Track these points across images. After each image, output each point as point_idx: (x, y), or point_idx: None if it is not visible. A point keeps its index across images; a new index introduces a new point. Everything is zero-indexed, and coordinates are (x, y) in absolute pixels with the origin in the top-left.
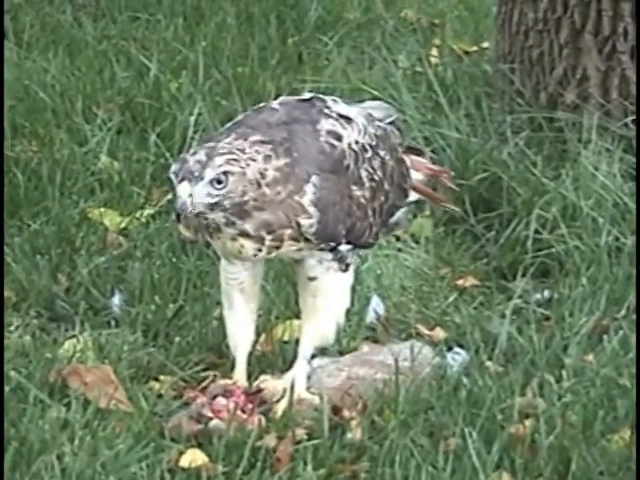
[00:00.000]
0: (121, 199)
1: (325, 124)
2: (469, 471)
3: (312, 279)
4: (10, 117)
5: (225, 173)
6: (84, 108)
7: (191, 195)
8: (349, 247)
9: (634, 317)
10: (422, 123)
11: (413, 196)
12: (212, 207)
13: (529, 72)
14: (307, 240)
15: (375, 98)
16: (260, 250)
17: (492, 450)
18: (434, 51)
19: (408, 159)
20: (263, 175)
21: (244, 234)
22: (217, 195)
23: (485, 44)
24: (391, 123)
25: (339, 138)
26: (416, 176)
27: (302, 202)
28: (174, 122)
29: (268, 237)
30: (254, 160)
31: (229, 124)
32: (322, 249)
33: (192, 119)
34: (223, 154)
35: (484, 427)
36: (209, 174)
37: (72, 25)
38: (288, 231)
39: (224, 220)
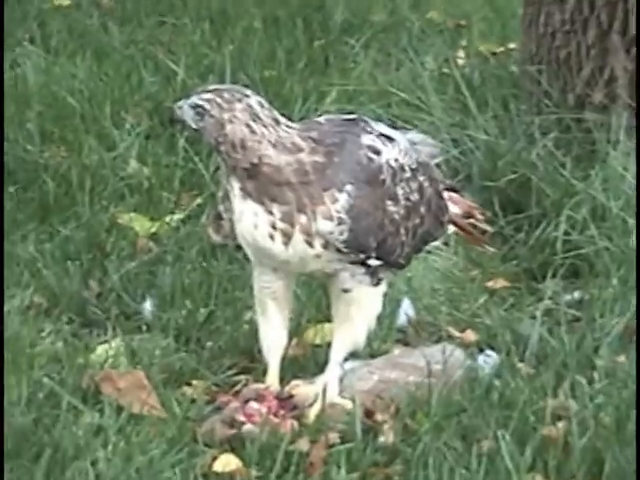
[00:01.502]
0: (150, 204)
1: (366, 139)
2: (502, 473)
3: (346, 291)
4: (39, 123)
5: (203, 109)
6: (112, 113)
7: (181, 107)
8: (378, 263)
9: None
10: (450, 125)
11: (450, 229)
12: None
13: (556, 73)
14: (338, 250)
15: (402, 100)
16: (274, 231)
17: (525, 452)
18: (460, 53)
19: (447, 195)
20: (255, 143)
21: (247, 193)
22: (196, 124)
23: (511, 45)
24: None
25: (378, 153)
26: (454, 210)
27: (328, 203)
28: None
29: (277, 212)
30: (247, 125)
31: None
32: (353, 262)
33: None
34: (219, 97)
35: (517, 429)
36: (193, 98)
37: (99, 30)
38: (301, 217)
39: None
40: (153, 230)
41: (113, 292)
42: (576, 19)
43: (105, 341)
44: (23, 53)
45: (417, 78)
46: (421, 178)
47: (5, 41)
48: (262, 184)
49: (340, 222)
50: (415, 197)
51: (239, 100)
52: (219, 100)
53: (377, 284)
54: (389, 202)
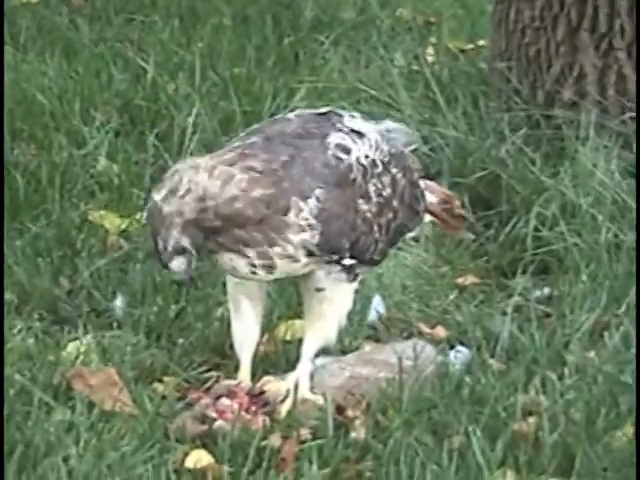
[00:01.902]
0: (121, 201)
1: (335, 137)
2: (473, 469)
3: (320, 290)
4: (8, 121)
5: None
6: (82, 111)
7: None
8: (353, 262)
9: (635, 314)
10: (420, 122)
11: (427, 218)
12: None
13: (526, 70)
14: (310, 254)
15: (372, 97)
16: (254, 268)
17: (496, 448)
18: (430, 50)
19: (423, 183)
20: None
21: (224, 248)
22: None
23: (481, 42)
24: (413, 151)
25: (347, 151)
26: (430, 199)
27: (291, 220)
28: (172, 123)
29: (252, 253)
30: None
31: (248, 130)
32: (328, 262)
33: (190, 120)
34: (161, 233)
35: (488, 425)
36: (171, 255)
37: (68, 27)
38: (275, 249)
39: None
40: (123, 227)
41: (84, 289)
42: (546, 16)
43: (76, 338)
44: None
45: (386, 75)
46: (394, 170)
47: None
48: (229, 235)
49: (311, 228)
50: (387, 192)
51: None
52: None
53: (353, 280)
54: (361, 201)
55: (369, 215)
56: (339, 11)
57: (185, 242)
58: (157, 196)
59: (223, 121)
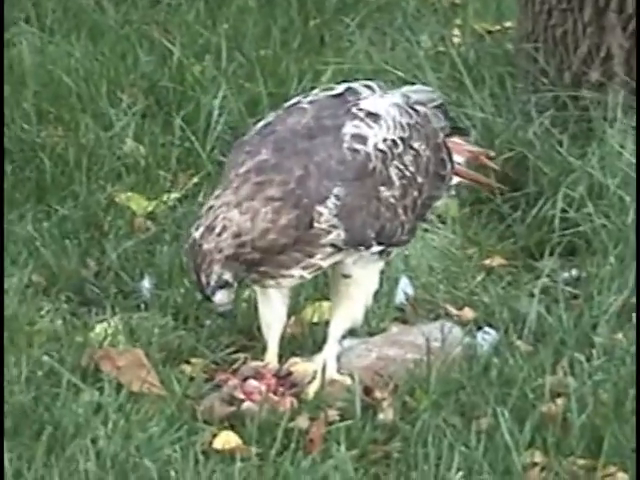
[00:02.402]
0: (147, 183)
1: (349, 127)
2: (501, 450)
3: (347, 276)
4: (35, 103)
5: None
6: (109, 93)
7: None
8: (381, 248)
9: None
10: (447, 103)
11: (455, 180)
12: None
13: (553, 51)
14: (339, 249)
15: (399, 79)
16: (303, 277)
17: (524, 429)
18: (456, 31)
19: (450, 142)
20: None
21: (268, 276)
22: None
23: (507, 24)
24: (436, 107)
25: (364, 141)
26: (456, 159)
27: (317, 228)
28: (198, 105)
29: (295, 271)
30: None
31: (259, 126)
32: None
33: (216, 102)
34: (202, 269)
35: (516, 406)
36: (214, 289)
37: (94, 10)
38: (316, 257)
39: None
40: (150, 209)
41: (111, 271)
42: None
43: (104, 320)
44: (18, 32)
45: (413, 57)
46: (416, 144)
47: None
48: (271, 263)
49: (334, 227)
50: (411, 170)
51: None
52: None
53: (387, 258)
54: (382, 188)
55: (393, 200)
56: None
57: (227, 276)
58: (195, 234)
59: (249, 103)
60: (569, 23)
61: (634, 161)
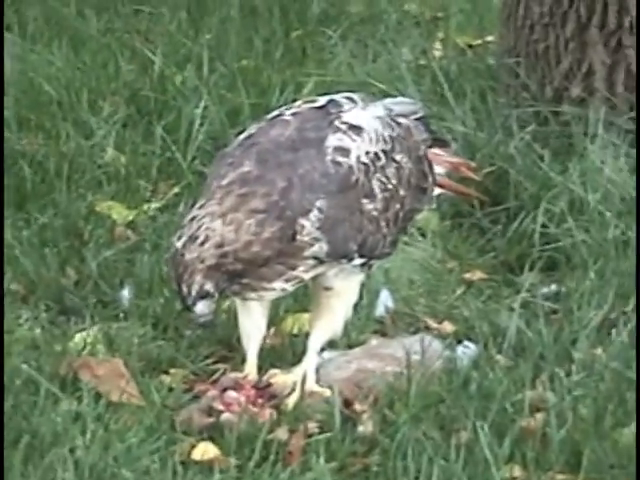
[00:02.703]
0: (128, 192)
1: (332, 140)
2: (481, 464)
3: (328, 289)
4: (15, 110)
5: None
6: (90, 101)
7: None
8: (363, 261)
9: None
10: (428, 116)
11: (436, 191)
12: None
13: (534, 66)
14: (321, 262)
15: (381, 91)
16: (284, 290)
17: (503, 443)
18: (438, 45)
19: (430, 153)
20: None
21: (249, 288)
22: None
23: (489, 38)
24: (418, 119)
25: (347, 153)
26: (438, 170)
27: (300, 241)
28: (179, 115)
29: (277, 284)
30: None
31: (241, 138)
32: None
33: (197, 112)
34: (184, 280)
35: (495, 420)
36: (195, 299)
37: (76, 18)
38: (298, 270)
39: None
40: (130, 218)
41: (91, 280)
42: (555, 12)
43: (83, 329)
44: None
45: (394, 69)
46: (398, 157)
47: None
48: (253, 275)
49: (317, 240)
50: (393, 183)
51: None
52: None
53: (369, 270)
54: (365, 201)
55: (375, 213)
56: (347, 5)
57: (209, 286)
58: (178, 243)
59: (230, 113)
60: (551, 38)
61: (614, 177)
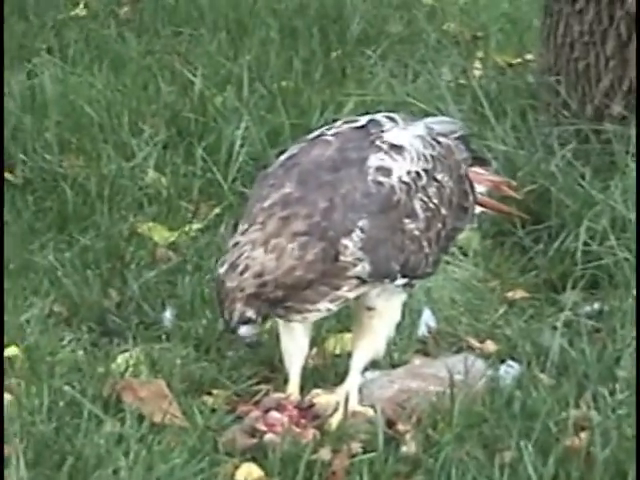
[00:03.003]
0: (169, 213)
1: (374, 160)
2: None
3: (371, 309)
4: (57, 133)
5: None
6: (130, 123)
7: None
8: (405, 281)
9: None
10: (469, 136)
11: (477, 210)
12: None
13: (575, 84)
14: (364, 281)
15: (421, 111)
16: (329, 310)
17: (548, 463)
18: (477, 64)
19: (471, 172)
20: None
21: (294, 311)
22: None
23: (528, 56)
24: (458, 138)
25: (388, 173)
26: (478, 189)
27: (343, 261)
28: (220, 136)
29: (322, 305)
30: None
31: (283, 158)
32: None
33: (238, 133)
34: (225, 306)
35: (539, 440)
36: (237, 325)
37: (116, 40)
38: (342, 290)
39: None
40: (172, 240)
41: (133, 301)
42: (595, 30)
43: (125, 350)
44: (41, 63)
45: (434, 89)
46: (439, 176)
47: (22, 51)
48: (296, 299)
49: (360, 260)
50: (434, 202)
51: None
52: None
53: (411, 290)
54: (407, 220)
55: (417, 233)
56: (386, 25)
57: (250, 313)
58: (220, 270)
59: (271, 134)
60: (591, 56)
61: None
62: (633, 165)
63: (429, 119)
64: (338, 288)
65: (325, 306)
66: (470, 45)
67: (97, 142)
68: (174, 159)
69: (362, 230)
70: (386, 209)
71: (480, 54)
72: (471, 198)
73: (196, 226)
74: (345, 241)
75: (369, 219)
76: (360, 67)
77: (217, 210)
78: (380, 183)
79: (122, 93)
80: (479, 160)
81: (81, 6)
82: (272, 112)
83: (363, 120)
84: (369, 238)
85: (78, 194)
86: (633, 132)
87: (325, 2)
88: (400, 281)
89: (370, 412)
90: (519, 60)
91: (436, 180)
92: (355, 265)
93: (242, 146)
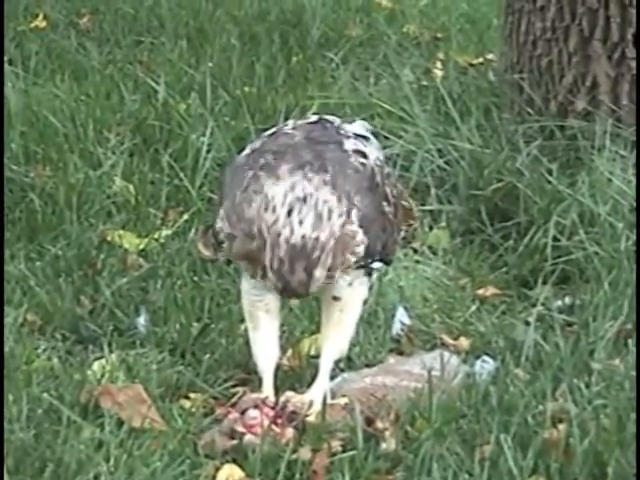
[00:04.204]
0: (138, 221)
1: (349, 144)
2: (505, 477)
3: (336, 299)
4: (22, 143)
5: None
6: (95, 132)
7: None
8: (380, 265)
9: None
10: (434, 135)
11: None
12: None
13: (538, 81)
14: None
15: (386, 112)
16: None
17: (527, 456)
18: (438, 64)
19: None
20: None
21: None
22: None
23: (489, 56)
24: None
25: (365, 156)
26: None
27: (354, 228)
28: (186, 143)
29: (320, 274)
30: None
31: (248, 149)
32: (359, 267)
33: (204, 139)
34: (321, 262)
35: (517, 433)
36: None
37: (77, 50)
38: (342, 266)
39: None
40: (142, 246)
41: (106, 308)
42: (557, 27)
43: (101, 357)
44: (2, 74)
45: (397, 90)
46: (389, 170)
47: None
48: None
49: (361, 241)
50: (395, 192)
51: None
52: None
53: (371, 279)
54: (384, 203)
55: (391, 217)
56: (346, 28)
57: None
58: (299, 228)
59: (236, 139)
60: (554, 53)
61: (624, 188)
62: (599, 160)
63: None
64: (344, 263)
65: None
66: (431, 46)
67: (63, 152)
68: (141, 167)
69: (357, 207)
70: (372, 188)
71: (441, 55)
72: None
73: (165, 232)
74: (352, 215)
75: (361, 196)
76: (322, 71)
77: (185, 216)
78: (362, 164)
79: (85, 103)
80: None
81: (40, 17)
82: (236, 118)
83: (313, 118)
84: (364, 215)
85: (47, 204)
86: (597, 127)
87: (285, 7)
88: (376, 264)
89: (344, 400)
90: (480, 60)
91: (390, 173)
92: (357, 244)
93: (208, 152)
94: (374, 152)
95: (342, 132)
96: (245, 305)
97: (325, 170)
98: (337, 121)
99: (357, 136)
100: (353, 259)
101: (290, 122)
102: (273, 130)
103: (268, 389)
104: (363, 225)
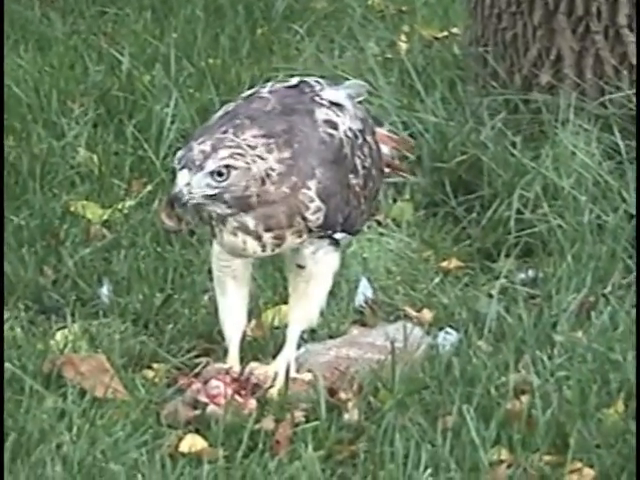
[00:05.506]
0: (102, 191)
1: (320, 114)
2: (468, 447)
3: (300, 267)
4: None
5: (227, 166)
6: (59, 102)
7: (189, 184)
8: (343, 235)
9: (620, 293)
10: (399, 108)
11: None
12: (210, 198)
13: (503, 54)
14: (310, 231)
15: None
16: (264, 247)
17: (490, 426)
18: (403, 38)
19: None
20: (269, 173)
21: (244, 228)
22: (216, 187)
23: (454, 30)
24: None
25: (335, 127)
26: (384, 150)
27: (309, 195)
28: (150, 114)
29: (268, 234)
30: (262, 158)
31: (221, 112)
32: (320, 237)
33: (168, 110)
34: (229, 147)
35: (480, 404)
36: (210, 165)
37: (41, 21)
38: (291, 229)
39: (224, 212)
40: (105, 217)
41: (69, 279)
42: (522, 0)
43: (64, 327)
44: None
45: (362, 63)
46: (368, 138)
47: None
48: (258, 214)
49: (316, 208)
50: (368, 162)
51: (242, 139)
52: (236, 150)
53: (336, 246)
54: (351, 176)
55: (358, 189)
56: (311, 1)
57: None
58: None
59: (201, 110)
60: (519, 26)
61: (587, 161)
62: (563, 133)
63: (347, 85)
64: (291, 225)
65: (266, 240)
66: (396, 19)
67: (27, 122)
68: (105, 137)
69: (318, 179)
70: (337, 161)
71: (406, 28)
72: (383, 160)
73: (129, 203)
74: (309, 182)
75: (324, 168)
76: (287, 43)
77: (149, 187)
78: (331, 135)
79: (49, 73)
80: (375, 121)
81: None
82: (201, 89)
83: (294, 80)
84: (324, 187)
85: (10, 174)
86: (561, 101)
87: None
88: (339, 235)
89: (309, 376)
90: (445, 33)
91: (366, 141)
92: (314, 211)
93: (172, 123)
94: (347, 122)
95: (317, 99)
96: (214, 270)
97: (290, 146)
98: (318, 85)
99: (332, 104)
100: (303, 224)
101: (268, 84)
102: (250, 92)
103: (233, 359)
104: (322, 196)
